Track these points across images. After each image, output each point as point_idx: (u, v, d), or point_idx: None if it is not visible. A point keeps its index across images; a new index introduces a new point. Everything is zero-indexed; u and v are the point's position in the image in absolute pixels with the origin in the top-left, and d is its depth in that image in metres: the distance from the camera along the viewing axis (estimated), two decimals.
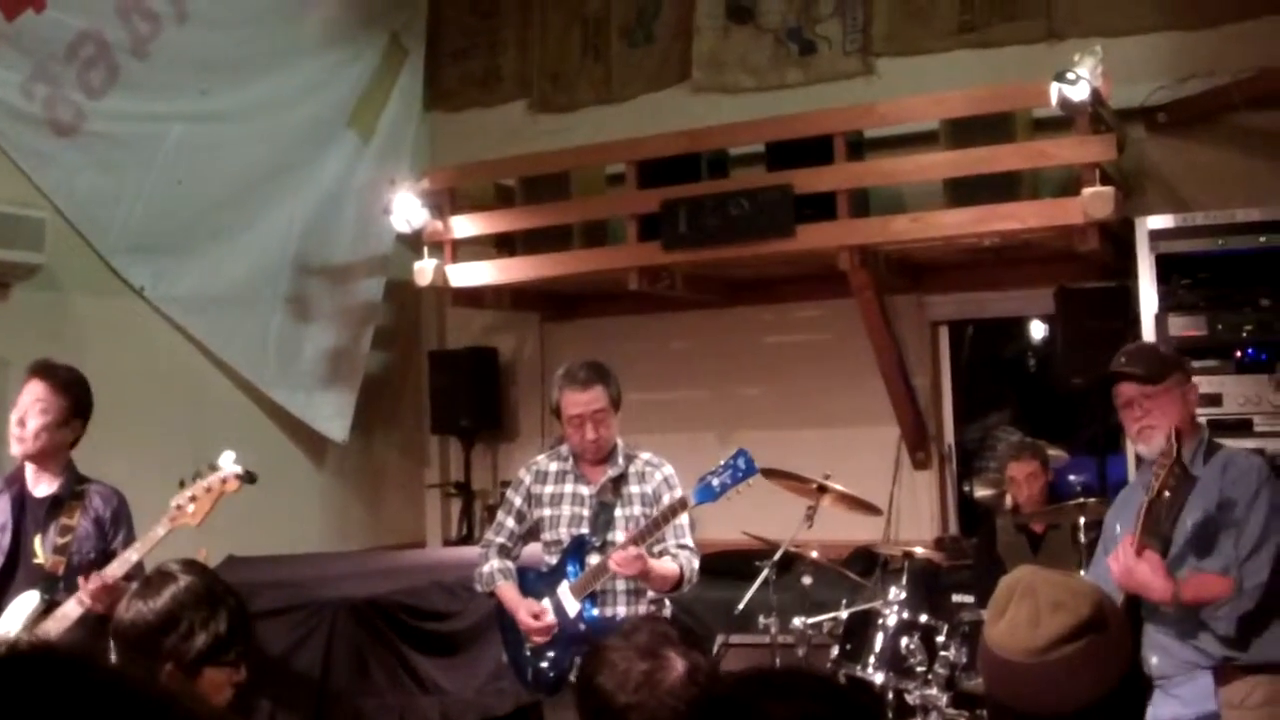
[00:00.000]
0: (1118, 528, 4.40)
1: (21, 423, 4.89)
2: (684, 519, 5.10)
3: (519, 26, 9.70)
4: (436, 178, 8.62)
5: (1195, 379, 4.54)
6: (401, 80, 9.61)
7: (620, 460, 5.22)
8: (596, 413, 5.10)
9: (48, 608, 4.74)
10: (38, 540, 4.88)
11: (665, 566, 5.00)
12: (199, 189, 7.96)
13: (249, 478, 4.91)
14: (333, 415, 9.01)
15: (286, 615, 6.22)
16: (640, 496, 5.18)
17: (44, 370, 4.95)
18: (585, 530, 5.16)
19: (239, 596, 3.28)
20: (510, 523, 5.34)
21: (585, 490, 5.22)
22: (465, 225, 8.52)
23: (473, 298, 8.87)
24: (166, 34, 7.71)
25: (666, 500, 5.11)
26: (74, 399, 4.96)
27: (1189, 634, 4.11)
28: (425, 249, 8.53)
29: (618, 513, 5.15)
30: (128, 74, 7.53)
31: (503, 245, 8.86)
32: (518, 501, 5.34)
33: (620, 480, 5.20)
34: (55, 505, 4.94)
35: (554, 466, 5.32)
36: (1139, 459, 4.61)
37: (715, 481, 4.93)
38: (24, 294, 7.07)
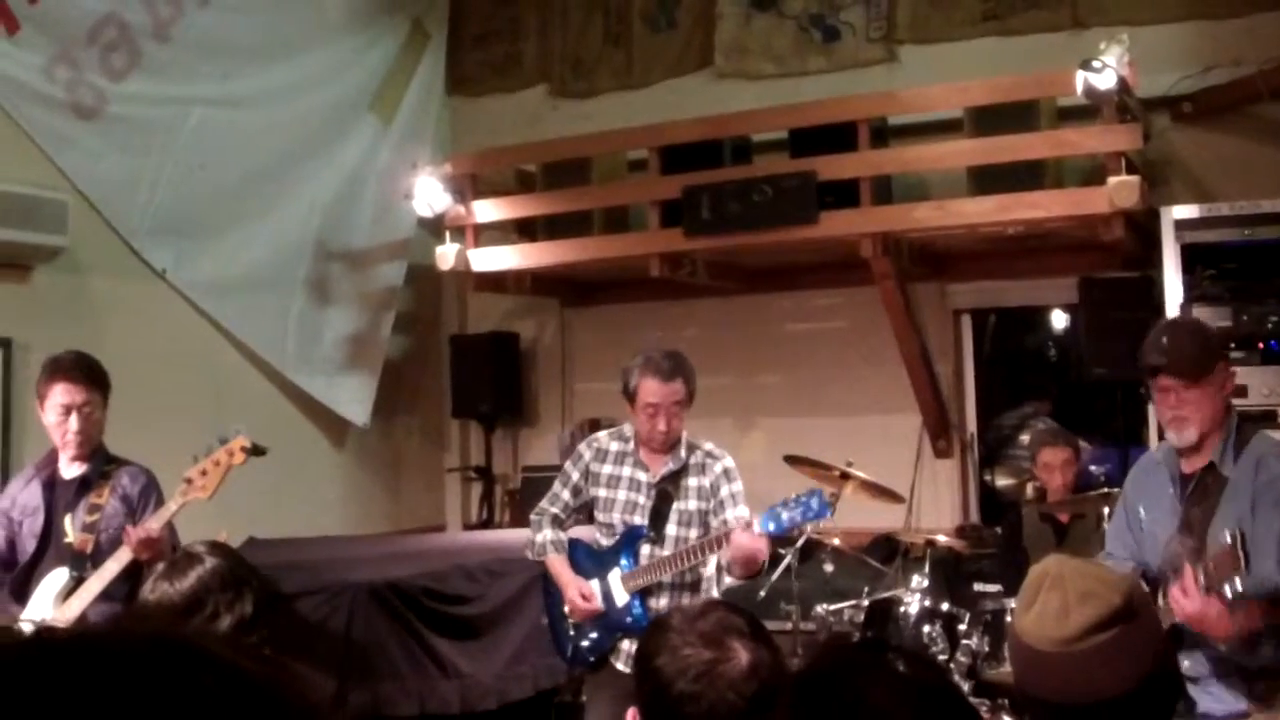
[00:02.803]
0: (1141, 511, 4.34)
1: (80, 430, 4.95)
2: (742, 506, 5.07)
3: (540, 12, 9.68)
4: (458, 162, 8.61)
5: None
6: (423, 65, 9.61)
7: (682, 453, 5.18)
8: (674, 405, 5.07)
9: (76, 584, 4.79)
10: (67, 520, 4.95)
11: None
12: (220, 173, 7.97)
13: (256, 449, 4.94)
14: (353, 399, 9.02)
15: (307, 598, 6.22)
16: (698, 490, 5.15)
17: (74, 368, 4.98)
18: (639, 520, 5.14)
19: (263, 579, 3.29)
20: (566, 495, 5.34)
21: (644, 477, 5.18)
22: (487, 210, 8.51)
23: (494, 283, 8.86)
24: (188, 17, 7.72)
25: (725, 492, 5.09)
26: (106, 385, 5.06)
27: (1227, 648, 4.04)
28: (447, 234, 8.53)
29: (675, 506, 5.13)
30: (149, 57, 7.54)
31: (524, 230, 8.86)
32: (575, 476, 5.33)
33: (680, 473, 5.17)
34: (84, 485, 5.01)
35: (615, 446, 5.29)
36: (1161, 435, 4.54)
37: (785, 515, 4.83)
38: (46, 276, 7.09)
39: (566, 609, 5.23)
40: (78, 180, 7.23)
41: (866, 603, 6.44)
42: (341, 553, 7.38)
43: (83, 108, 7.24)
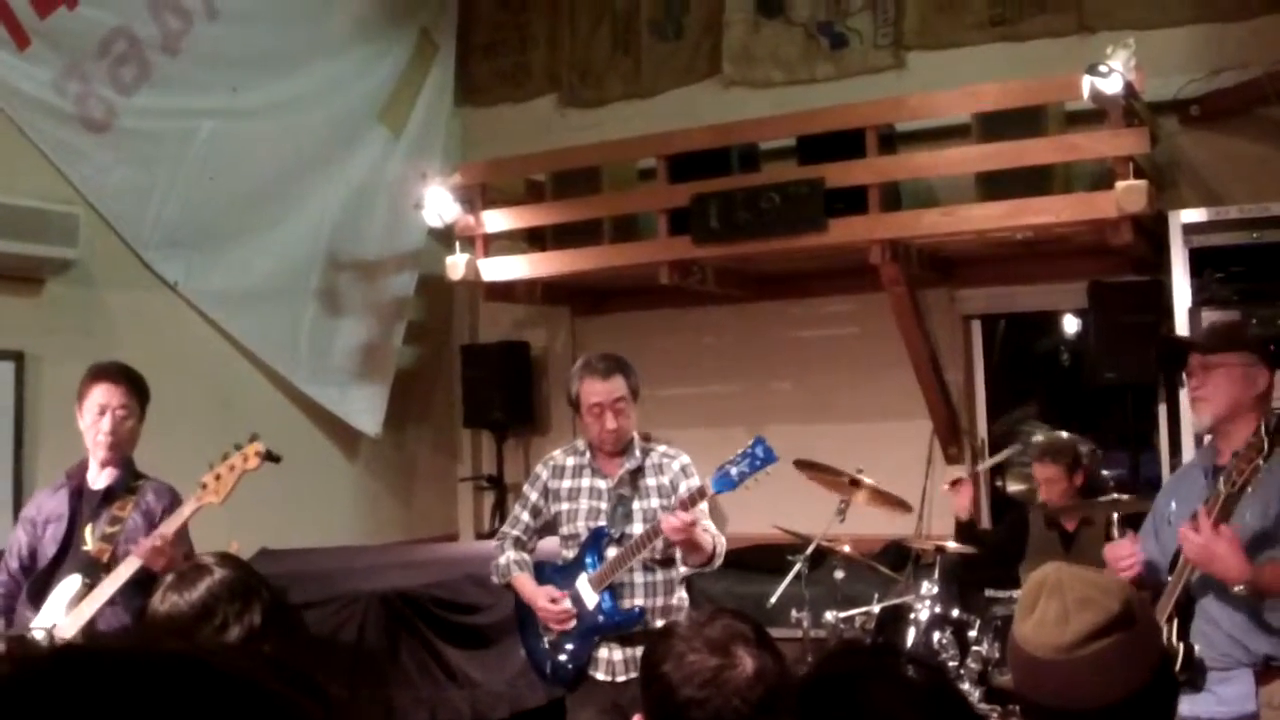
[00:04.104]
0: (1172, 505, 4.33)
1: (111, 431, 5.01)
2: (694, 479, 5.11)
3: (549, 21, 9.70)
4: (468, 172, 8.63)
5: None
6: (432, 75, 9.63)
7: (637, 453, 5.18)
8: (617, 402, 5.06)
9: (88, 591, 4.82)
10: (88, 529, 4.99)
11: (703, 537, 4.97)
12: (230, 184, 8.00)
13: (271, 456, 4.95)
14: (365, 409, 9.03)
15: (319, 607, 6.25)
16: (658, 489, 5.15)
17: (116, 373, 5.08)
18: (603, 523, 5.14)
19: (273, 589, 3.31)
20: (525, 517, 5.31)
21: (603, 484, 5.18)
22: (497, 220, 8.53)
23: (504, 292, 8.88)
24: (197, 30, 7.75)
25: (684, 489, 5.09)
26: (144, 397, 5.14)
27: (1235, 629, 4.01)
28: (457, 243, 8.55)
29: (635, 505, 5.12)
30: (159, 71, 7.57)
31: (534, 240, 8.87)
32: (534, 496, 5.31)
33: (637, 473, 5.17)
34: (109, 496, 5.05)
35: (570, 461, 5.28)
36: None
37: (734, 470, 4.87)
38: (58, 288, 7.13)
39: (540, 625, 5.22)
40: (88, 193, 7.26)
41: (877, 610, 6.45)
42: (353, 562, 7.40)
43: (93, 121, 7.27)
